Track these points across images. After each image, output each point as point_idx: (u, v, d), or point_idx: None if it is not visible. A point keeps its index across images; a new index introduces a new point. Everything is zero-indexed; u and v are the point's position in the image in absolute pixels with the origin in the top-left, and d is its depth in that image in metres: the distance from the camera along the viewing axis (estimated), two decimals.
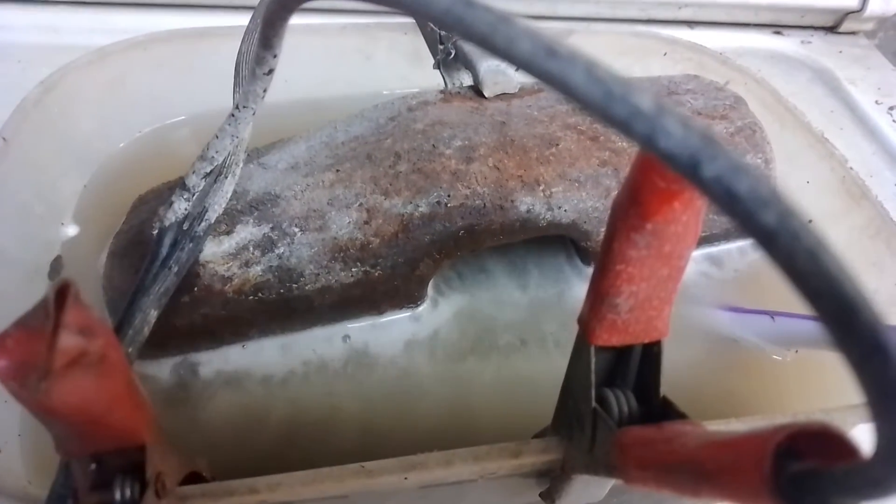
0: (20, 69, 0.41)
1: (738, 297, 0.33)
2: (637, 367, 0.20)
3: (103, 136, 0.35)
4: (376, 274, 0.29)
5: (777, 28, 0.67)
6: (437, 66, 0.37)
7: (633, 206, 0.16)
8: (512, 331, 0.32)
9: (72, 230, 0.33)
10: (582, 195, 0.30)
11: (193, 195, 0.22)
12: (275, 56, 0.17)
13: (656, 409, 0.20)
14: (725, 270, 0.34)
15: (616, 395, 0.19)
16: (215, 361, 0.29)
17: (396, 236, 0.29)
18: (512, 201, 0.29)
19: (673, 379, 0.32)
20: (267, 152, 0.33)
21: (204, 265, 0.28)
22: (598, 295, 0.18)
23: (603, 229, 0.31)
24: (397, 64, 0.40)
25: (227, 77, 0.32)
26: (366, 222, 0.29)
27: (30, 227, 0.31)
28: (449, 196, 0.29)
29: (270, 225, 0.29)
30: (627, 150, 0.32)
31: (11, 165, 0.30)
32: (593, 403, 0.19)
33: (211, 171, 0.22)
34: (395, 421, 0.28)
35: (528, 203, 0.30)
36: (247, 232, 0.29)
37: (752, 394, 0.32)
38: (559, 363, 0.30)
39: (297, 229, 0.29)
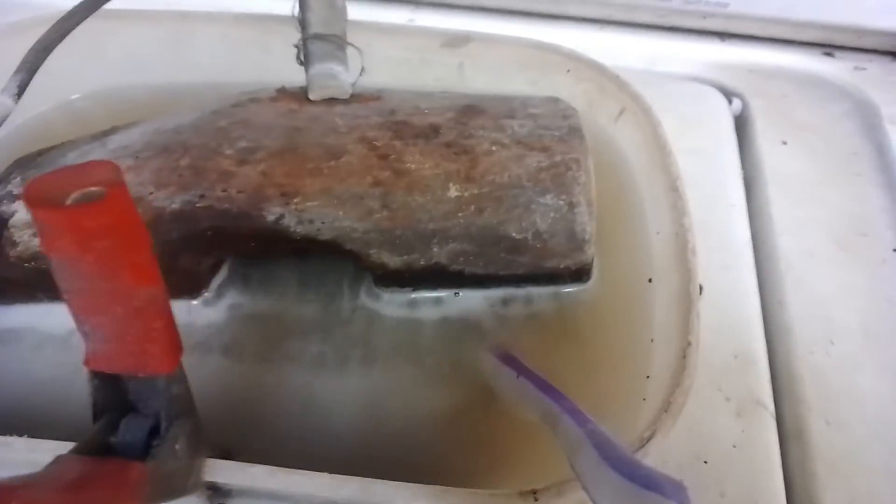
0: None
1: (520, 343, 0.30)
2: (152, 397, 0.19)
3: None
4: None
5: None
6: (299, 62, 0.37)
7: (39, 234, 0.16)
8: (292, 341, 0.32)
9: None
10: (339, 213, 0.29)
11: None
12: None
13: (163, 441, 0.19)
14: (515, 313, 0.31)
15: (124, 422, 0.19)
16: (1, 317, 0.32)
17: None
18: (260, 210, 0.29)
19: (427, 419, 0.30)
20: (115, 132, 0.35)
21: (10, 229, 0.31)
22: (74, 320, 0.18)
23: (372, 251, 0.30)
24: (291, 55, 0.40)
25: (133, 57, 0.41)
26: None
27: None
28: (202, 196, 0.29)
29: None
30: (412, 173, 0.30)
31: None
32: (95, 426, 0.19)
33: None
34: None
35: (276, 213, 0.29)
36: None
37: (501, 450, 0.29)
38: (337, 380, 0.30)
39: None
